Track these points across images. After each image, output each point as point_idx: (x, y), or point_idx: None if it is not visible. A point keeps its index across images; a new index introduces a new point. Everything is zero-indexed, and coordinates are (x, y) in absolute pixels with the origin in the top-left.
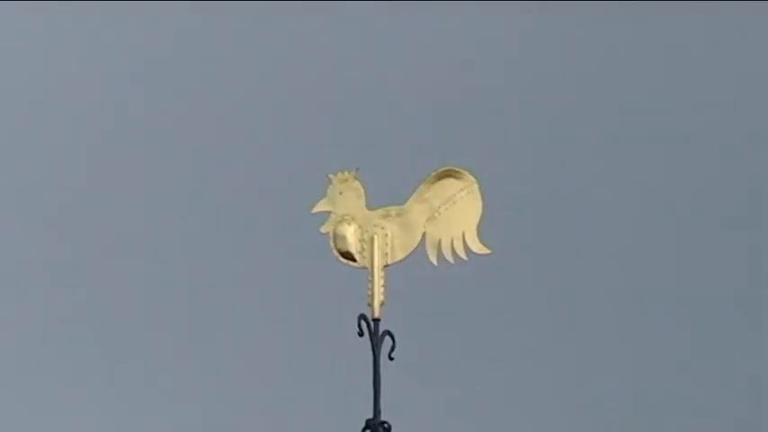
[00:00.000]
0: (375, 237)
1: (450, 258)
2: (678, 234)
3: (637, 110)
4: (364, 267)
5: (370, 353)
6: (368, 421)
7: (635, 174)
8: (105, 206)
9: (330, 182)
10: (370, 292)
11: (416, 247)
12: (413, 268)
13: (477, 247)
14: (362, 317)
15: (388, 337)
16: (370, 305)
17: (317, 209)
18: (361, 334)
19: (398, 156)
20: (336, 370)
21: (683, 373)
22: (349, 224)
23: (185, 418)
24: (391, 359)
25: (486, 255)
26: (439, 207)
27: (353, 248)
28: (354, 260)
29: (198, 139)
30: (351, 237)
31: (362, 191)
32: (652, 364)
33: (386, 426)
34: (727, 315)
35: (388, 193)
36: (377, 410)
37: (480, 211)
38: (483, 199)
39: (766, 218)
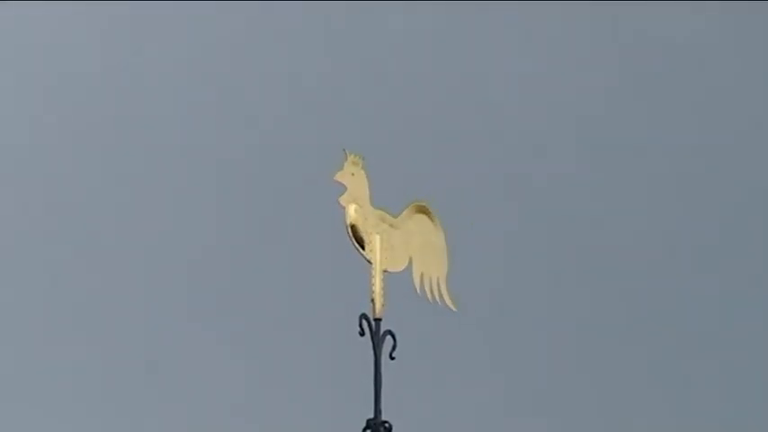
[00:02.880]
0: (378, 237)
1: (429, 296)
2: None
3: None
4: (370, 261)
5: (372, 352)
6: (369, 421)
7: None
8: (102, 202)
9: (346, 157)
10: (374, 289)
11: (404, 269)
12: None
13: (447, 299)
14: (364, 316)
15: (389, 337)
16: (373, 301)
17: (337, 177)
18: (362, 333)
19: (398, 158)
20: (337, 369)
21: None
22: (359, 209)
23: (185, 417)
24: (392, 359)
25: (451, 310)
26: (422, 241)
27: (365, 236)
28: (363, 248)
29: (201, 139)
30: (361, 222)
31: (367, 182)
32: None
33: (386, 425)
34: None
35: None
36: (378, 410)
37: (447, 267)
38: (449, 254)
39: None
